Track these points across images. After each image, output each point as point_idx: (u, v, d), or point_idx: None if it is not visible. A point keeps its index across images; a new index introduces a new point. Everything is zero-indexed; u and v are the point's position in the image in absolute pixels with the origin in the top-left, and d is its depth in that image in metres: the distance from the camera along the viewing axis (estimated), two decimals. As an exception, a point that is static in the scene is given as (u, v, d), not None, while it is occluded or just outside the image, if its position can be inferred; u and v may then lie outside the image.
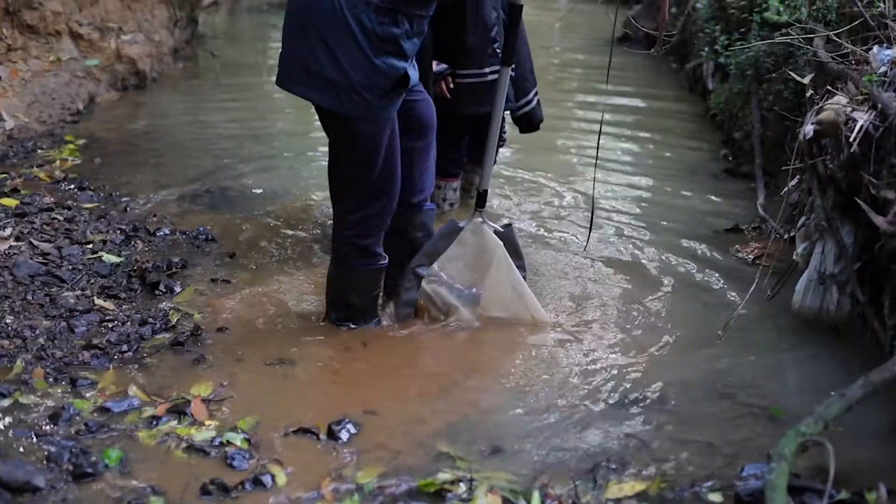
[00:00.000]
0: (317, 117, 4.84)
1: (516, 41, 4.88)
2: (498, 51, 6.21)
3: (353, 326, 4.99)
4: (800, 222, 5.34)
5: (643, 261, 6.19)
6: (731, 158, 8.16)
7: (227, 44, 13.06)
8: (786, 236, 5.90)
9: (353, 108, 4.51)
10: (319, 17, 4.46)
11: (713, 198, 7.39)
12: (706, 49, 9.79)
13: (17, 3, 8.75)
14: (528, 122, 6.64)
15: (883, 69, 4.93)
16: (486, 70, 6.21)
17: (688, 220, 6.92)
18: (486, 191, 5.13)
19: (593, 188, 5.87)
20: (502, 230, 5.14)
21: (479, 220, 5.10)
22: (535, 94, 6.60)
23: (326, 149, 4.93)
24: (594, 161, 5.67)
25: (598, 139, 5.53)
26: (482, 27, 6.15)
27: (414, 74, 4.62)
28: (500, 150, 6.95)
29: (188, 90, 10.48)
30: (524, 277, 5.19)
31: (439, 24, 5.63)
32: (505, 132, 6.86)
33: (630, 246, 6.41)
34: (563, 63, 12.68)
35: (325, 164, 4.90)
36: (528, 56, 6.58)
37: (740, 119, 8.27)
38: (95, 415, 4.10)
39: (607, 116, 9.15)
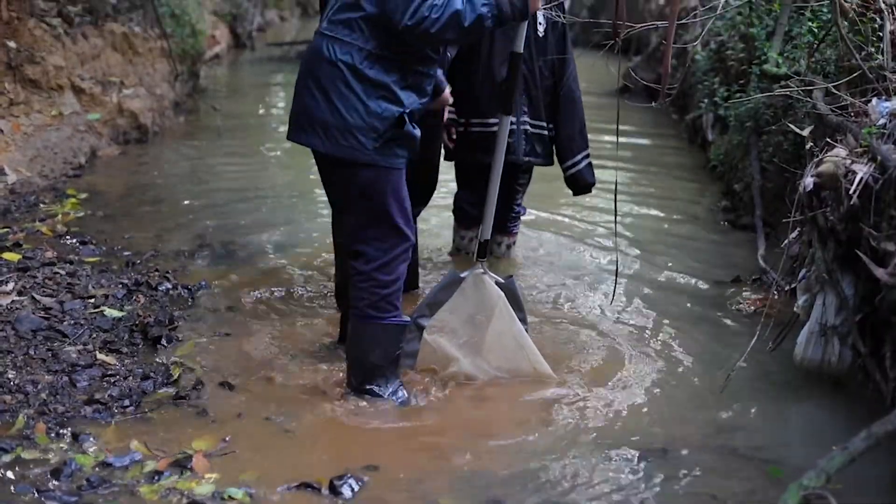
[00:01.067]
0: (316, 170, 4.86)
1: (515, 91, 4.89)
2: (524, 106, 6.29)
3: (378, 390, 4.89)
4: (800, 274, 5.34)
5: (644, 313, 6.19)
6: (731, 210, 8.18)
7: (228, 97, 13.13)
8: (787, 288, 5.90)
9: (350, 152, 4.55)
10: (317, 65, 4.58)
11: (714, 249, 7.40)
12: (706, 101, 9.83)
13: (19, 58, 8.79)
14: (576, 184, 6.64)
15: (882, 121, 4.95)
16: (492, 121, 6.25)
17: (689, 271, 6.93)
18: (486, 241, 5.13)
19: (616, 247, 5.88)
20: (504, 282, 5.14)
21: (481, 271, 5.10)
22: (586, 156, 6.57)
23: (326, 202, 4.94)
24: (614, 219, 5.72)
25: (615, 203, 5.57)
26: (490, 79, 6.20)
27: (415, 130, 4.63)
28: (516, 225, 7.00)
29: (190, 144, 10.52)
30: (526, 329, 5.18)
31: (451, 74, 5.73)
32: (519, 202, 6.89)
33: (632, 298, 6.41)
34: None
35: (327, 218, 4.91)
36: (578, 116, 6.55)
37: (740, 170, 8.30)
38: (97, 470, 4.08)
39: (609, 165, 9.19)
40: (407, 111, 4.58)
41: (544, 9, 6.17)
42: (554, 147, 6.56)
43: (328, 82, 4.54)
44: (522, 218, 7.09)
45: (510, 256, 6.99)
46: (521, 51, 4.88)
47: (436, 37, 4.43)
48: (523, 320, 5.18)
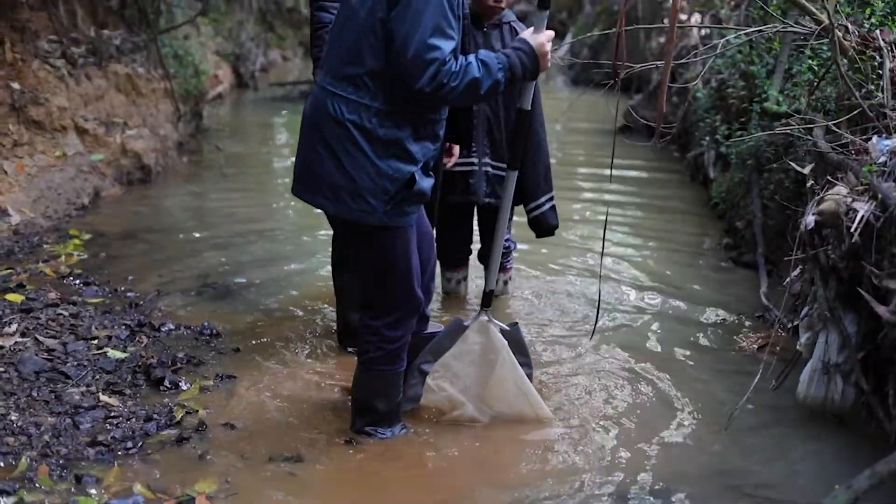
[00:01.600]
0: (318, 210, 4.86)
1: (525, 146, 4.88)
2: (486, 147, 6.31)
3: (380, 433, 4.90)
4: (803, 312, 5.34)
5: (646, 351, 6.19)
6: (733, 247, 8.18)
7: (231, 137, 13.15)
8: (789, 326, 5.91)
9: (360, 215, 4.49)
10: (323, 123, 4.49)
11: (716, 287, 7.40)
12: (707, 138, 9.86)
13: (23, 99, 8.83)
14: (539, 227, 6.65)
15: (882, 159, 4.96)
16: (474, 160, 6.30)
17: (691, 309, 6.93)
18: (491, 290, 5.13)
19: (599, 281, 5.90)
20: (508, 329, 5.14)
21: (485, 318, 5.09)
22: (549, 199, 6.58)
23: (328, 240, 4.96)
24: (600, 255, 5.72)
25: (603, 238, 5.58)
26: (469, 115, 6.18)
27: (426, 184, 4.57)
28: (509, 260, 7.01)
29: (193, 184, 10.53)
30: (530, 376, 5.17)
31: None
32: (511, 242, 6.91)
33: (633, 336, 6.41)
34: (564, 154, 12.72)
35: (328, 259, 4.91)
36: (542, 160, 6.55)
37: (742, 208, 8.31)
38: (100, 512, 4.09)
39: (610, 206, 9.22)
40: (420, 166, 4.52)
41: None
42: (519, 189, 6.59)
43: (336, 143, 4.45)
44: (514, 253, 7.10)
45: (507, 292, 7.00)
46: (529, 107, 4.86)
47: (453, 102, 4.48)
48: (527, 366, 5.17)
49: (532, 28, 4.58)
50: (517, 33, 6.38)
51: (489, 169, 6.42)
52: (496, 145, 6.42)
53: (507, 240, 6.83)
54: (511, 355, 5.07)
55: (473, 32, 6.30)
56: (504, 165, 6.43)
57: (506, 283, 7.02)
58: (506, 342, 5.07)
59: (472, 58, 4.35)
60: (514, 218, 6.83)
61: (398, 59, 4.29)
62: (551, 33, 4.61)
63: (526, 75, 4.54)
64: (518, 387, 5.09)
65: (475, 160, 6.36)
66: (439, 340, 5.07)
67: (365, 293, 4.79)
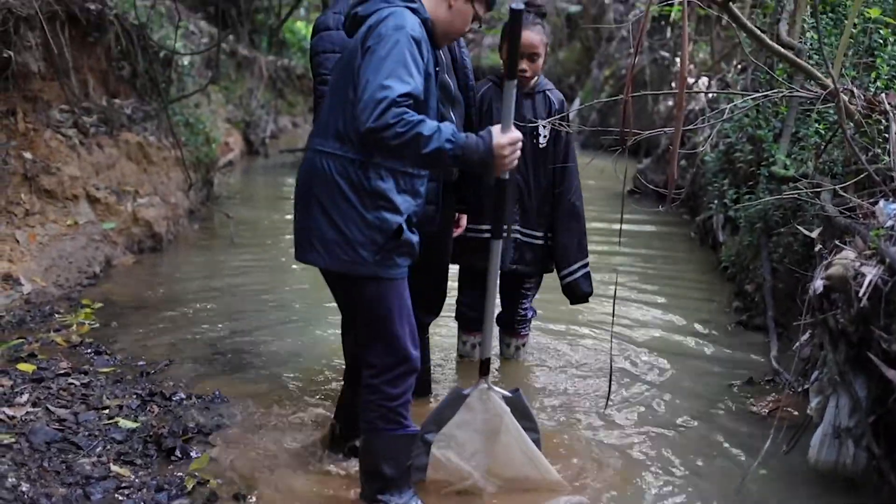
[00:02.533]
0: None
1: (503, 215, 4.86)
2: (515, 215, 6.35)
3: (392, 501, 4.85)
4: (813, 376, 5.33)
5: (657, 416, 6.18)
6: (743, 310, 8.18)
7: (241, 204, 13.21)
8: (800, 389, 5.90)
9: (352, 266, 4.55)
10: (315, 182, 4.59)
11: (726, 351, 7.40)
12: (716, 202, 9.89)
13: (35, 169, 8.88)
14: (572, 294, 6.69)
15: (889, 223, 4.97)
16: (483, 227, 6.34)
17: (702, 373, 6.92)
18: (488, 359, 5.11)
19: (610, 351, 5.90)
20: (510, 395, 5.12)
21: (485, 386, 5.07)
22: (582, 266, 6.63)
23: (337, 310, 4.97)
24: (611, 324, 5.73)
25: (613, 304, 5.58)
26: (477, 187, 6.23)
27: (413, 237, 4.63)
28: (525, 327, 7.03)
29: (204, 252, 10.57)
30: (537, 442, 5.14)
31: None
32: (527, 306, 6.92)
33: (644, 401, 6.40)
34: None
35: (339, 327, 4.92)
36: (578, 229, 6.63)
37: (751, 271, 8.32)
38: (111, 584, 4.09)
39: (619, 269, 9.24)
40: (404, 218, 4.59)
41: (549, 122, 6.24)
42: (550, 254, 6.64)
43: (326, 198, 4.54)
44: (532, 321, 7.11)
45: (520, 358, 7.01)
46: (507, 177, 4.85)
47: (392, 150, 4.36)
48: (533, 430, 5.14)
49: (500, 125, 4.48)
50: (552, 103, 6.44)
51: (518, 236, 6.48)
52: (527, 213, 6.48)
53: (525, 308, 6.86)
54: (514, 422, 5.04)
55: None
56: (533, 233, 6.49)
57: (518, 348, 7.02)
58: (507, 408, 5.05)
59: (433, 121, 4.36)
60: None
61: (356, 102, 4.35)
62: (517, 135, 4.50)
63: (475, 165, 4.48)
64: (524, 453, 5.07)
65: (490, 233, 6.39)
66: (441, 410, 5.05)
67: (364, 349, 4.80)
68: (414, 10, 4.58)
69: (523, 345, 7.04)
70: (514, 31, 4.36)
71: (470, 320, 6.85)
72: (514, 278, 6.65)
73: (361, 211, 4.51)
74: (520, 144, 4.49)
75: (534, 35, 6.18)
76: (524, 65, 6.26)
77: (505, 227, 5.16)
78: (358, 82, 4.40)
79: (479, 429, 5.05)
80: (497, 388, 5.08)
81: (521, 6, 4.35)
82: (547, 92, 6.49)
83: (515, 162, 4.51)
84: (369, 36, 4.48)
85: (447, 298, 6.15)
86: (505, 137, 4.43)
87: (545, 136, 6.43)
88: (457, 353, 7.03)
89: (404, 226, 4.57)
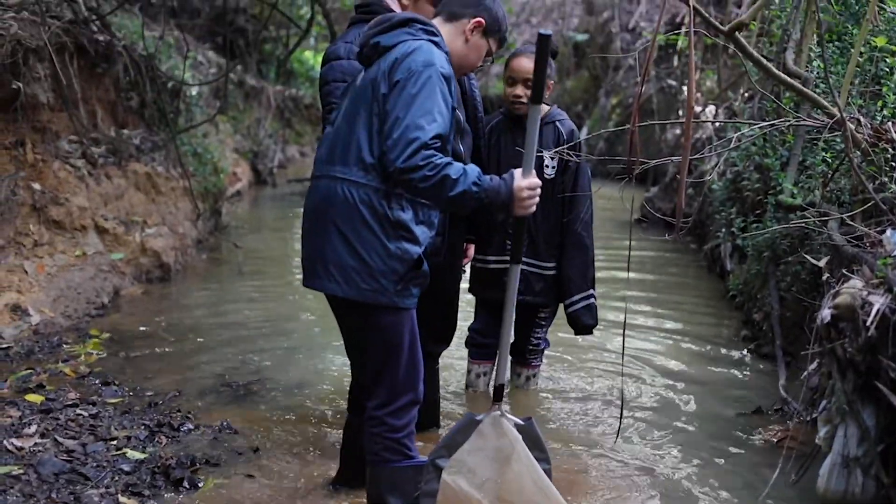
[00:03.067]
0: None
1: (520, 244, 4.86)
2: (508, 243, 6.34)
3: None
4: (821, 406, 5.32)
5: (666, 446, 6.17)
6: (751, 339, 8.17)
7: (250, 234, 13.22)
8: (808, 419, 5.89)
9: (372, 295, 4.54)
10: (334, 208, 4.56)
11: (735, 379, 7.39)
12: (723, 230, 9.89)
13: (44, 199, 8.91)
14: (574, 324, 6.69)
15: (896, 252, 4.98)
16: (490, 258, 6.36)
17: (710, 403, 6.91)
18: (502, 385, 5.09)
19: (622, 385, 5.88)
20: (523, 423, 5.09)
21: (498, 413, 5.05)
22: (585, 297, 6.60)
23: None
24: (621, 355, 5.72)
25: (623, 337, 5.58)
26: (485, 218, 6.25)
27: (427, 268, 4.65)
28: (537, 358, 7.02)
29: (212, 282, 10.57)
30: (548, 472, 5.11)
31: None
32: (540, 336, 6.91)
33: (653, 431, 6.39)
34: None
35: (343, 356, 4.92)
36: (584, 261, 6.61)
37: (759, 300, 8.31)
38: None
39: (627, 296, 9.24)
40: (423, 249, 4.62)
41: (556, 152, 6.25)
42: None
43: (347, 225, 4.52)
44: (545, 352, 7.09)
45: (530, 388, 6.99)
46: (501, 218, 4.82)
47: (419, 191, 4.41)
48: (544, 460, 5.11)
49: (522, 169, 4.48)
50: (560, 133, 6.45)
51: (525, 266, 6.47)
52: (535, 243, 6.48)
53: (538, 338, 6.85)
54: (526, 450, 5.01)
55: (513, 133, 6.38)
56: (542, 263, 6.49)
57: (528, 378, 7.00)
58: (520, 437, 5.03)
59: (459, 163, 4.37)
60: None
61: (386, 138, 4.38)
62: (536, 181, 4.49)
63: (496, 208, 4.50)
64: (535, 482, 5.03)
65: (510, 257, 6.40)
66: (452, 435, 5.02)
67: (370, 380, 4.79)
68: (437, 45, 4.61)
69: (534, 375, 7.03)
70: (541, 55, 4.37)
71: (478, 346, 6.85)
72: (528, 308, 6.64)
73: (384, 240, 4.51)
74: (538, 190, 4.50)
75: (527, 62, 6.20)
76: (520, 90, 6.29)
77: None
78: (387, 116, 4.43)
79: (491, 456, 5.01)
80: (510, 416, 5.06)
81: (550, 32, 4.36)
82: (557, 122, 6.50)
83: (533, 207, 4.50)
84: (396, 68, 4.49)
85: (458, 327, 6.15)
86: (525, 181, 4.43)
87: (553, 167, 6.43)
88: (466, 379, 7.02)
89: (423, 257, 4.61)
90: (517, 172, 4.46)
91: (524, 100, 6.29)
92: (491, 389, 6.83)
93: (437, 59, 4.48)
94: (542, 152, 6.32)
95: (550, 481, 5.04)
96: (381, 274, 4.52)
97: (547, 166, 6.42)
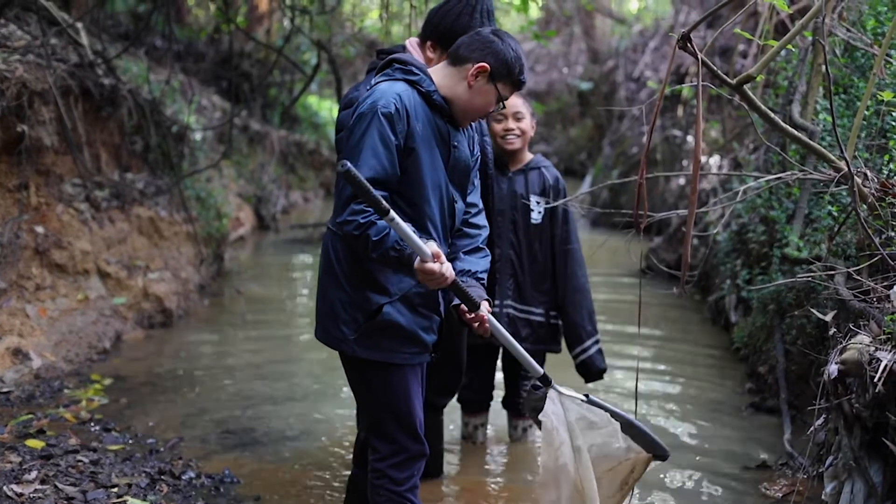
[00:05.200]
0: (337, 357, 4.86)
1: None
2: (509, 290, 6.34)
3: None
4: (828, 461, 5.30)
5: (672, 499, 6.13)
6: (756, 392, 8.14)
7: (252, 279, 13.20)
8: (814, 473, 5.85)
9: (336, 342, 4.61)
10: (322, 259, 4.71)
11: (740, 433, 7.35)
12: (728, 282, 9.87)
13: (47, 243, 8.89)
14: (587, 371, 6.65)
15: (904, 308, 4.96)
16: (495, 302, 6.35)
17: (715, 457, 6.87)
18: (543, 375, 4.89)
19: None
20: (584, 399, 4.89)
21: (555, 392, 4.90)
22: (595, 342, 6.60)
23: (349, 389, 4.95)
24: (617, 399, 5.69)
25: (636, 392, 5.56)
26: None
27: (403, 319, 4.57)
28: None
29: (214, 328, 10.54)
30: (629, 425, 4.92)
31: None
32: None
33: (657, 484, 6.35)
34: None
35: (349, 404, 4.90)
36: (585, 305, 6.59)
37: (764, 353, 8.28)
38: None
39: (633, 351, 9.21)
40: (396, 299, 4.57)
41: (561, 203, 6.25)
42: (552, 333, 6.60)
43: (325, 273, 4.64)
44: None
45: (528, 440, 6.95)
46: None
47: (355, 246, 4.46)
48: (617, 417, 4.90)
49: (432, 243, 4.35)
50: (545, 179, 6.45)
51: (511, 311, 6.46)
52: (521, 288, 6.46)
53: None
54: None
55: (497, 178, 6.37)
56: (529, 309, 6.47)
57: (525, 430, 6.96)
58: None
59: (383, 222, 4.28)
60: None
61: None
62: (428, 268, 4.30)
63: (406, 272, 4.44)
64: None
65: (497, 302, 6.39)
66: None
67: (371, 432, 4.77)
68: (412, 83, 4.59)
69: (530, 426, 6.98)
70: (354, 185, 4.21)
71: (472, 402, 6.82)
72: (514, 358, 6.62)
73: (346, 287, 4.57)
74: (435, 277, 4.33)
75: (517, 97, 6.15)
76: (511, 124, 6.30)
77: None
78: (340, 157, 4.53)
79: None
80: (566, 392, 4.90)
81: (347, 165, 4.07)
82: (542, 168, 6.51)
83: (439, 285, 4.38)
84: (354, 115, 4.54)
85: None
86: (419, 265, 4.32)
87: (539, 213, 6.43)
88: (461, 436, 6.98)
89: (391, 308, 4.55)
90: (425, 251, 4.31)
91: (516, 132, 6.30)
92: (481, 439, 6.84)
93: (383, 98, 4.47)
94: (526, 197, 6.34)
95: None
96: (342, 321, 4.57)
97: (533, 211, 6.41)
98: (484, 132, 5.98)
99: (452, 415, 7.03)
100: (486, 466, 6.67)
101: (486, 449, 6.88)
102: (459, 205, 4.79)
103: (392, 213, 4.15)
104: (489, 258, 4.93)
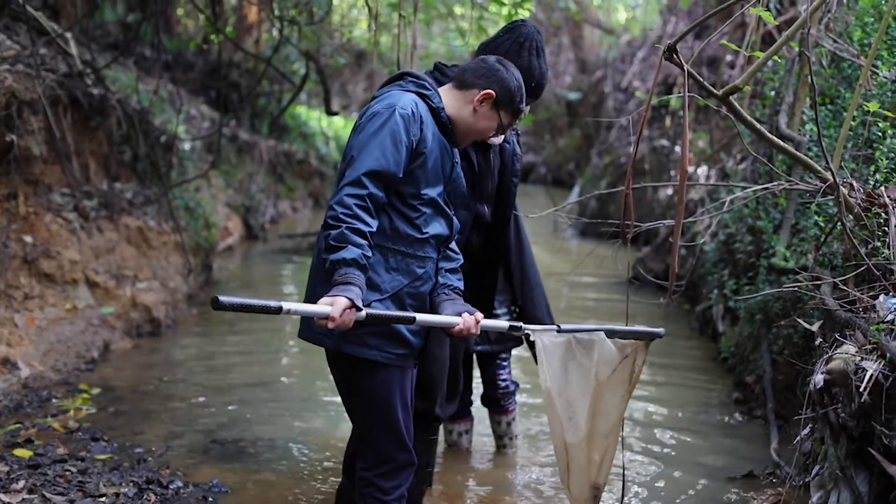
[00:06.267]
0: (325, 365, 4.88)
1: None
2: (500, 301, 6.35)
3: None
4: (814, 471, 5.32)
5: (658, 509, 6.16)
6: (743, 402, 8.16)
7: (240, 289, 13.19)
8: (801, 483, 5.87)
9: (319, 337, 4.63)
10: (315, 254, 4.74)
11: (727, 443, 7.36)
12: (715, 292, 9.89)
13: (35, 252, 8.89)
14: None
15: (890, 317, 4.98)
16: None
17: (702, 466, 6.88)
18: (510, 325, 4.97)
19: (622, 452, 5.84)
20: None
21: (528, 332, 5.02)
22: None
23: (336, 398, 4.96)
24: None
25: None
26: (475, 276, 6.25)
27: (386, 313, 4.55)
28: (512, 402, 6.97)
29: (202, 337, 10.52)
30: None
31: None
32: (506, 378, 6.86)
33: (641, 494, 6.36)
34: (571, 307, 12.69)
35: (337, 414, 4.90)
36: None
37: (751, 362, 8.31)
38: None
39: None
40: (385, 296, 4.59)
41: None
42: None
43: (314, 272, 4.69)
44: (517, 395, 7.04)
45: (512, 434, 6.95)
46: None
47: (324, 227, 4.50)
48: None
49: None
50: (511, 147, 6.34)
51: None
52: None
53: (505, 380, 6.81)
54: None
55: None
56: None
57: (509, 424, 6.94)
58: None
59: (357, 239, 4.36)
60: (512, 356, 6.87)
61: (341, 176, 4.55)
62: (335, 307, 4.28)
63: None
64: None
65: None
66: None
67: (359, 439, 4.79)
68: (424, 96, 4.65)
69: (514, 419, 6.97)
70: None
71: (456, 410, 6.80)
72: (489, 356, 6.64)
73: (316, 283, 4.62)
74: (333, 324, 4.30)
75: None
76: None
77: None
78: (345, 155, 4.57)
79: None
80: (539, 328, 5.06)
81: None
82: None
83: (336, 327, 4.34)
84: (364, 113, 4.57)
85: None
86: (326, 301, 4.30)
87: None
88: (444, 443, 6.96)
89: (381, 305, 4.56)
90: (348, 296, 4.28)
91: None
92: (466, 445, 6.85)
93: (402, 101, 4.57)
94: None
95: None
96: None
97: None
98: (517, 150, 6.03)
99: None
100: (473, 472, 6.67)
101: (472, 457, 6.88)
102: (455, 220, 4.84)
103: (284, 305, 4.18)
104: (463, 281, 4.98)
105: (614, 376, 5.12)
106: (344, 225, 4.33)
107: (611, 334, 5.12)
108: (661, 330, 5.19)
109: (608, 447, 5.17)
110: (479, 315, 4.70)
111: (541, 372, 5.00)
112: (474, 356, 6.66)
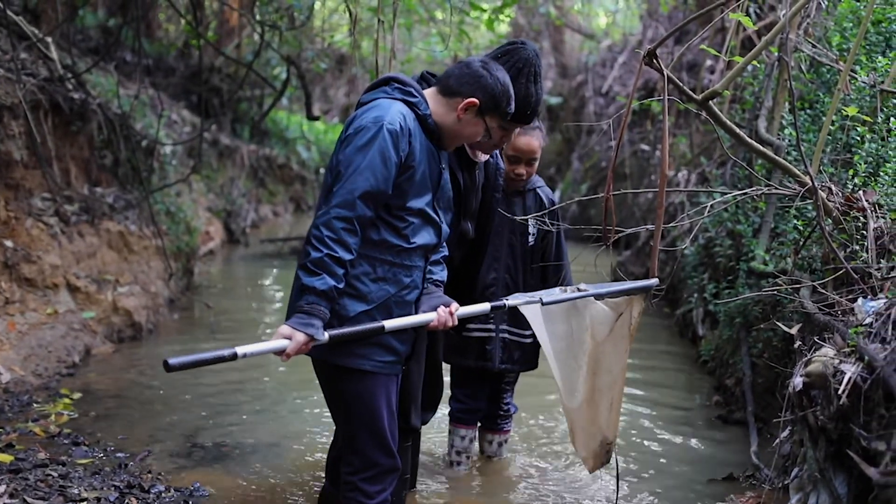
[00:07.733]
0: (309, 370, 4.89)
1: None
2: (504, 314, 6.35)
3: None
4: (793, 473, 5.33)
5: (638, 512, 6.17)
6: (723, 405, 8.18)
7: (222, 294, 13.18)
8: (780, 485, 5.89)
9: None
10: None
11: (706, 445, 7.38)
12: (695, 296, 9.92)
13: (16, 257, 8.87)
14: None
15: (868, 320, 5.00)
16: (491, 327, 6.35)
17: (682, 469, 6.90)
18: (492, 306, 5.04)
19: (616, 462, 5.85)
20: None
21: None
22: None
23: (319, 402, 4.96)
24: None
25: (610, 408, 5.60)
26: (472, 286, 6.27)
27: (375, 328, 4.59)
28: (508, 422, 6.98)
29: (183, 342, 10.50)
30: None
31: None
32: (508, 401, 6.86)
33: (623, 497, 6.37)
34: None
35: (320, 419, 4.91)
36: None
37: (731, 366, 8.34)
38: None
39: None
40: (372, 306, 4.60)
41: (535, 217, 6.28)
42: (535, 351, 6.59)
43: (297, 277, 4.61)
44: (512, 417, 7.06)
45: (503, 455, 6.96)
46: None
47: (308, 240, 4.50)
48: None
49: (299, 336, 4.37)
50: (541, 200, 6.45)
51: (506, 336, 6.45)
52: (516, 312, 6.45)
53: (507, 403, 6.83)
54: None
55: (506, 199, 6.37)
56: (521, 332, 6.46)
57: (500, 444, 6.96)
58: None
59: (337, 267, 4.41)
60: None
61: (329, 190, 4.54)
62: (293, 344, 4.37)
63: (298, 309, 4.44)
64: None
65: (492, 326, 6.41)
66: None
67: (344, 443, 4.80)
68: (410, 104, 4.65)
69: (505, 441, 6.98)
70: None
71: (466, 412, 6.78)
72: (500, 376, 6.65)
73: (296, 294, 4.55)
74: (287, 358, 4.39)
75: (534, 141, 6.20)
76: (522, 169, 6.27)
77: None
78: (333, 168, 4.55)
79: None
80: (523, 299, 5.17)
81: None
82: (538, 189, 6.50)
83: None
84: (351, 124, 4.57)
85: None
86: (282, 335, 4.38)
87: (533, 235, 6.44)
88: (452, 451, 6.87)
89: (366, 316, 4.58)
90: (289, 332, 4.36)
91: (525, 178, 6.30)
92: (474, 450, 6.85)
93: (389, 115, 4.55)
94: (524, 219, 6.33)
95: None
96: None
97: (530, 234, 6.41)
98: (500, 165, 6.06)
99: (428, 433, 7.07)
100: (459, 484, 6.66)
101: (475, 463, 6.88)
102: (444, 227, 4.85)
103: (238, 351, 4.28)
104: (446, 271, 5.02)
105: (613, 334, 5.22)
106: (325, 251, 4.36)
107: (599, 297, 5.20)
108: (654, 281, 5.20)
109: (613, 400, 5.32)
110: (455, 305, 4.74)
111: (541, 342, 5.18)
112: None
